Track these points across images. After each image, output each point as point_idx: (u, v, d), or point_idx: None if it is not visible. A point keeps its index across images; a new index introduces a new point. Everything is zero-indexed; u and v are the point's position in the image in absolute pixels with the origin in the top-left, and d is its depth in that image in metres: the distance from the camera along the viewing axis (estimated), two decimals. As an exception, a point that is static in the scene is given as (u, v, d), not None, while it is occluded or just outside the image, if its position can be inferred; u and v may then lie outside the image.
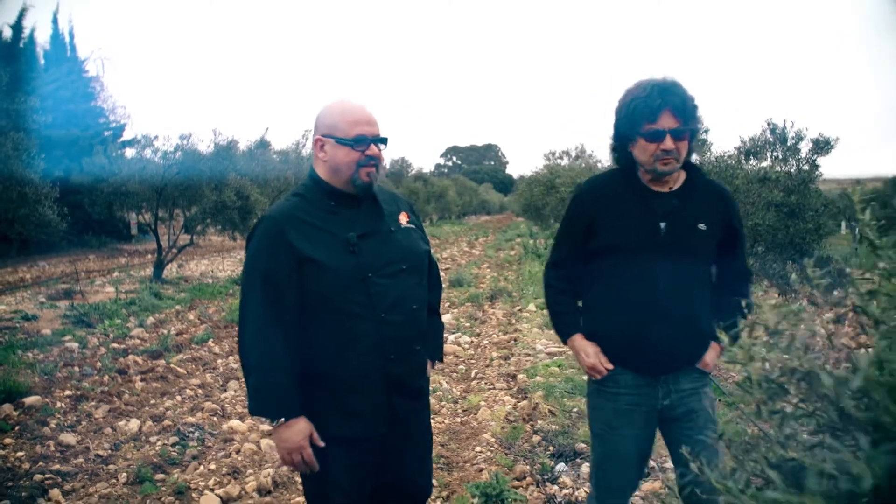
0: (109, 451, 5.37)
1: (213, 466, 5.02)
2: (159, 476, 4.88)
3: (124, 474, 4.86)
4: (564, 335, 2.83)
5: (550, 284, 2.90)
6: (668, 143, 2.49)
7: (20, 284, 14.54)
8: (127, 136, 27.05)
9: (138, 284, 14.09)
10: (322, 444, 2.48)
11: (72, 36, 27.23)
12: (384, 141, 2.57)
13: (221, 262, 19.97)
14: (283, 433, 2.45)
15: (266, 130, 24.35)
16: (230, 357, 8.41)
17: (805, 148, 7.44)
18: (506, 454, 5.07)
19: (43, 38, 26.61)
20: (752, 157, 7.76)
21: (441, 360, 2.95)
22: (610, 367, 2.68)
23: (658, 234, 2.60)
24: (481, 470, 4.76)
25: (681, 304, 2.59)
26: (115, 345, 8.74)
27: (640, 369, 2.66)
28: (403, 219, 2.69)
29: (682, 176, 2.68)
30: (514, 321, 10.45)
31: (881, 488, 0.96)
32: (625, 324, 2.65)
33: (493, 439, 5.40)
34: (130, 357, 8.07)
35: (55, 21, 26.52)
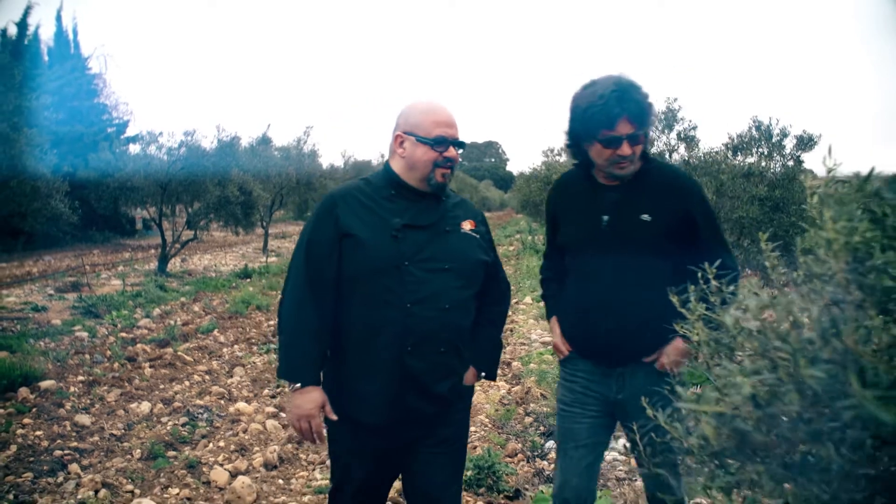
0: (123, 431, 5.66)
1: (221, 444, 5.32)
2: (171, 453, 5.17)
3: (138, 451, 5.16)
4: (548, 316, 2.97)
5: (542, 272, 3.06)
6: (626, 149, 2.52)
7: (27, 277, 14.82)
8: (130, 132, 27.37)
9: (143, 278, 14.38)
10: (334, 417, 2.55)
11: (75, 33, 27.58)
12: (462, 145, 2.62)
13: (224, 256, 20.26)
14: (298, 398, 2.51)
15: (268, 127, 24.62)
16: (235, 346, 8.71)
17: (790, 144, 7.73)
18: (499, 433, 5.37)
19: (46, 36, 26.92)
20: (738, 153, 8.05)
21: (490, 377, 2.85)
22: (569, 348, 2.80)
23: (600, 227, 2.64)
24: (475, 447, 5.04)
25: (625, 296, 2.59)
26: (123, 334, 9.03)
27: (591, 359, 2.74)
28: (467, 225, 2.70)
29: (638, 167, 2.67)
30: (511, 312, 10.74)
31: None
32: (574, 315, 2.75)
33: (487, 420, 5.69)
34: (139, 346, 8.36)
35: (59, 18, 26.85)
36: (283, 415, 6.06)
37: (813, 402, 1.19)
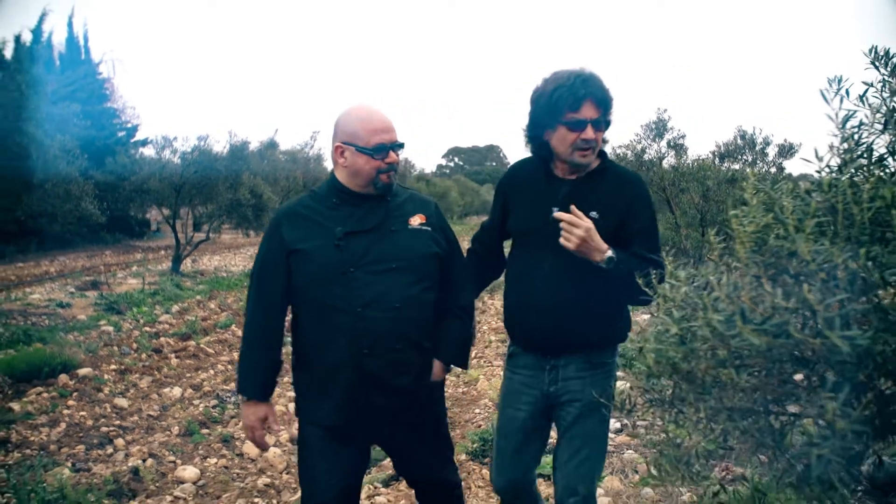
0: (159, 412, 6.23)
1: (250, 422, 5.88)
2: (205, 430, 5.74)
3: (176, 428, 5.73)
4: None
5: (471, 242, 3.03)
6: (589, 132, 2.52)
7: (46, 276, 15.38)
8: (139, 136, 27.96)
9: (158, 277, 14.94)
10: (278, 429, 2.84)
11: (86, 39, 28.17)
12: (401, 146, 2.64)
13: (233, 257, 20.84)
14: (245, 409, 2.69)
15: (276, 132, 25.16)
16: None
17: (772, 152, 8.31)
18: (501, 414, 5.92)
19: (57, 41, 27.50)
20: (725, 160, 8.62)
21: (460, 364, 2.85)
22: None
23: (548, 219, 2.59)
24: (480, 426, 5.60)
25: (564, 290, 2.60)
26: (146, 329, 9.58)
27: (530, 349, 2.76)
28: (416, 220, 2.72)
29: (595, 165, 2.68)
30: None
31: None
32: (513, 304, 2.77)
33: (490, 403, 6.25)
34: (162, 339, 8.93)
35: (70, 24, 27.43)
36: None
37: (719, 339, 1.74)
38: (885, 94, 1.93)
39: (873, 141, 1.91)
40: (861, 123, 1.91)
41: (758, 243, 1.87)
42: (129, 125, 28.33)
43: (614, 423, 5.53)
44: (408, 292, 2.62)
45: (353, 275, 2.55)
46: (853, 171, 1.83)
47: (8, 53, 21.45)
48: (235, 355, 8.39)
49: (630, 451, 5.02)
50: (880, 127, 1.91)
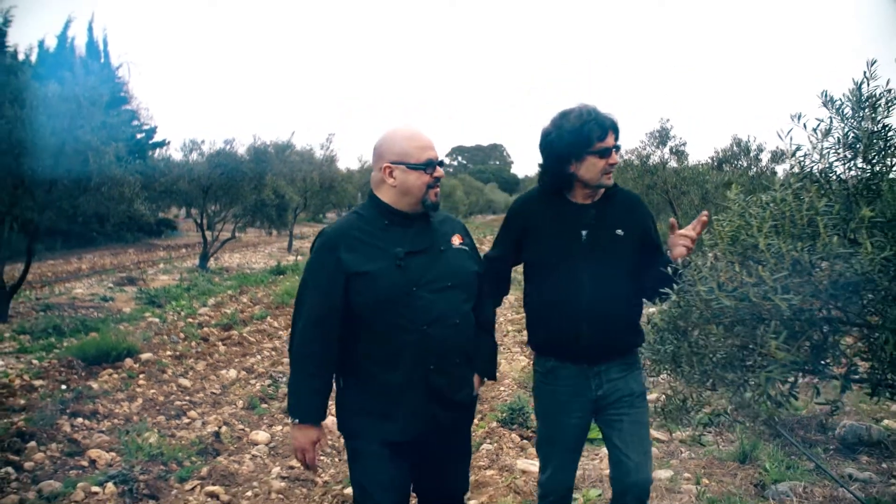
0: (220, 390, 7.04)
1: (304, 398, 6.70)
2: (264, 405, 6.55)
3: (240, 402, 6.55)
4: None
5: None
6: (614, 157, 2.85)
7: (80, 273, 16.23)
8: (157, 138, 28.78)
9: (186, 274, 15.77)
10: (328, 449, 3.08)
11: (105, 43, 28.99)
12: (442, 163, 2.78)
13: (253, 255, 21.68)
14: (296, 432, 2.70)
15: (293, 134, 25.99)
16: (289, 329, 10.08)
17: (765, 158, 9.12)
18: (523, 391, 6.72)
19: (78, 45, 28.33)
20: (723, 166, 9.42)
21: (493, 378, 3.00)
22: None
23: (580, 241, 2.89)
24: (505, 401, 6.40)
25: (606, 301, 2.85)
26: (189, 320, 10.39)
27: (577, 361, 2.95)
28: (456, 240, 2.84)
29: (601, 190, 2.96)
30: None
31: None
32: (559, 323, 2.92)
33: (513, 382, 7.07)
34: (206, 329, 9.74)
35: (90, 29, 28.31)
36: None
37: (704, 303, 2.55)
38: (823, 132, 2.75)
39: (812, 167, 2.74)
40: (805, 154, 2.74)
41: (733, 239, 2.69)
42: (147, 127, 29.16)
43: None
44: (462, 309, 2.76)
45: (417, 294, 2.63)
46: (797, 188, 2.63)
47: (33, 58, 22.31)
48: (276, 343, 9.23)
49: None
50: (818, 156, 2.72)
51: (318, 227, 38.16)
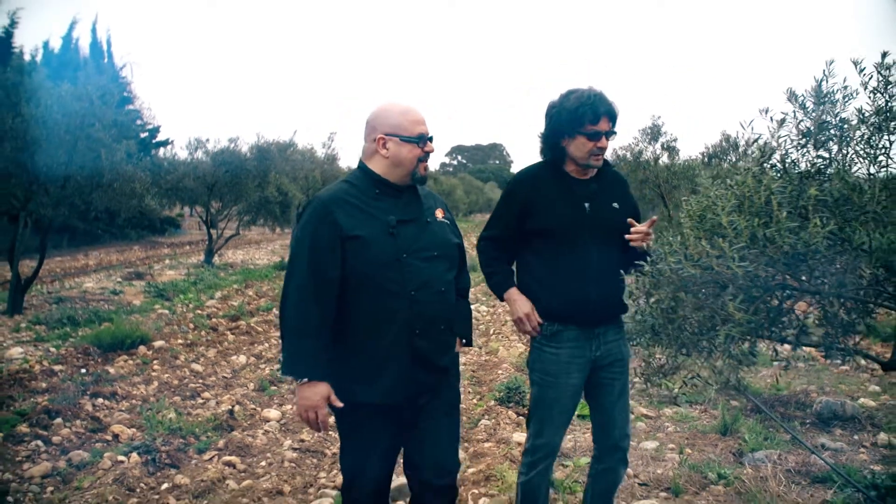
0: (231, 375, 7.39)
1: (311, 381, 7.05)
2: (273, 387, 6.89)
3: (251, 384, 6.91)
4: (501, 290, 3.29)
5: (485, 252, 3.35)
6: (604, 141, 3.08)
7: (88, 269, 16.58)
8: (160, 137, 29.13)
9: (192, 269, 16.11)
10: (340, 404, 2.72)
11: (109, 44, 29.36)
12: (432, 139, 2.90)
13: (256, 252, 22.02)
14: (305, 392, 2.70)
15: (294, 133, 26.35)
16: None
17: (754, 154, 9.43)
18: (520, 373, 7.07)
19: (82, 46, 28.70)
20: (712, 161, 9.76)
21: (470, 343, 3.09)
22: (538, 319, 3.17)
23: (585, 213, 3.13)
24: (502, 382, 6.75)
25: (608, 268, 3.07)
26: (197, 312, 10.74)
27: (582, 324, 3.15)
28: (439, 214, 2.98)
29: (593, 169, 3.20)
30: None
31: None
32: (567, 288, 3.11)
33: (510, 366, 7.42)
34: (214, 319, 10.08)
35: (94, 30, 28.63)
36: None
37: (675, 273, 2.89)
38: (779, 122, 3.09)
39: (771, 154, 3.09)
40: (765, 143, 3.09)
41: (700, 218, 3.04)
42: (150, 127, 29.51)
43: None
44: (446, 277, 2.89)
45: (406, 261, 2.75)
46: (755, 172, 2.97)
47: (38, 59, 22.66)
48: (282, 333, 9.55)
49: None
50: (776, 144, 3.07)
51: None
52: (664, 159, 9.78)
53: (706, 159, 9.79)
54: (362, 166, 2.91)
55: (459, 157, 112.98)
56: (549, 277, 3.15)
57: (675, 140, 9.74)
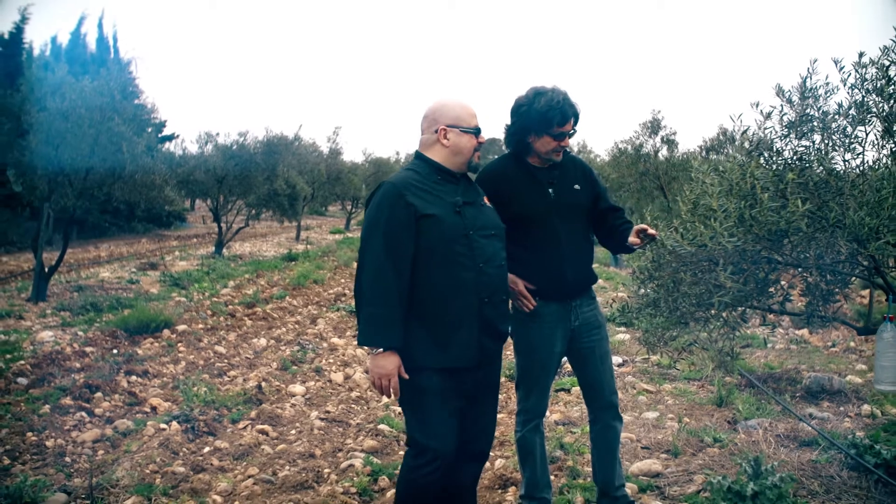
0: (253, 356, 7.80)
1: (330, 360, 7.46)
2: (295, 367, 7.30)
3: (274, 364, 7.31)
4: None
5: None
6: (567, 141, 3.38)
7: (101, 260, 16.97)
8: (166, 132, 29.49)
9: (203, 260, 16.51)
10: (406, 376, 2.95)
11: (115, 39, 29.71)
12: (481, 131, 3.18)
13: (263, 244, 22.43)
14: (381, 360, 2.91)
15: (300, 127, 26.64)
16: (307, 307, 10.84)
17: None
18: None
19: (89, 41, 29.03)
20: (710, 153, 10.16)
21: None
22: (532, 300, 3.42)
23: (550, 198, 3.42)
24: (512, 361, 7.14)
25: (578, 245, 3.46)
26: (214, 299, 11.13)
27: (560, 299, 3.45)
28: (486, 200, 3.25)
29: None
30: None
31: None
32: (545, 269, 3.41)
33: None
34: (230, 306, 10.48)
35: (100, 25, 28.95)
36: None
37: (672, 253, 3.29)
38: (765, 114, 3.48)
39: (759, 144, 3.48)
40: (754, 134, 3.49)
41: (694, 204, 3.44)
42: (157, 121, 29.82)
43: (617, 359, 7.10)
44: (502, 254, 3.15)
45: (473, 237, 3.00)
46: (743, 161, 3.36)
47: (47, 54, 22.99)
48: (298, 317, 9.97)
49: (630, 377, 6.58)
50: (762, 134, 3.46)
51: (323, 220, 38.68)
52: (664, 152, 10.19)
53: (704, 152, 10.18)
54: (421, 156, 3.16)
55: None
56: (528, 260, 3.41)
57: (674, 133, 10.16)
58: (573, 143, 3.94)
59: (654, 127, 10.19)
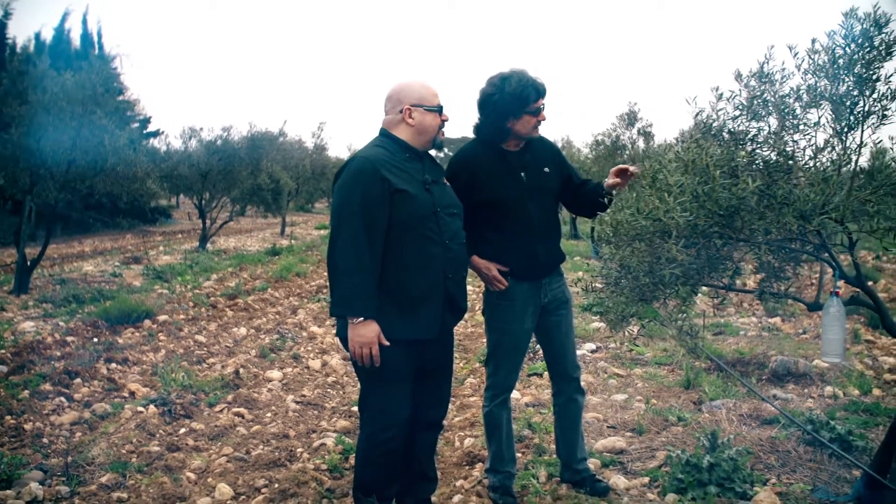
0: (233, 344, 7.88)
1: (308, 348, 7.55)
2: (273, 354, 7.38)
3: (253, 351, 7.40)
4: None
5: None
6: (543, 115, 3.52)
7: (85, 255, 16.98)
8: (151, 128, 29.46)
9: (187, 254, 16.54)
10: (387, 343, 3.01)
11: (99, 35, 29.64)
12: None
13: (248, 239, 22.44)
14: (361, 329, 2.97)
15: (284, 123, 26.77)
16: (289, 299, 10.91)
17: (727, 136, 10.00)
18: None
19: (73, 37, 28.97)
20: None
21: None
22: (503, 277, 3.56)
23: (522, 182, 3.55)
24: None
25: (548, 226, 3.64)
26: (196, 291, 11.19)
27: (532, 278, 3.62)
28: (446, 180, 3.39)
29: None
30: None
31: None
32: (520, 249, 3.55)
33: (494, 336, 7.93)
34: (213, 298, 10.54)
35: (84, 21, 28.90)
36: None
37: (630, 226, 3.40)
38: (717, 97, 3.60)
39: (711, 125, 3.59)
40: (707, 116, 3.61)
41: (653, 179, 3.55)
42: (141, 117, 29.82)
43: (590, 346, 7.22)
44: (462, 232, 3.30)
45: (440, 214, 3.14)
46: (699, 142, 3.48)
47: (31, 49, 22.94)
48: (279, 308, 10.04)
49: (602, 362, 6.70)
50: (716, 115, 3.58)
51: (308, 217, 38.47)
52: (640, 144, 10.32)
53: (681, 143, 10.31)
54: (388, 134, 3.24)
55: (446, 150, 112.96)
56: (501, 243, 3.56)
57: (650, 125, 10.29)
58: (557, 137, 4.09)
59: (630, 119, 10.32)
